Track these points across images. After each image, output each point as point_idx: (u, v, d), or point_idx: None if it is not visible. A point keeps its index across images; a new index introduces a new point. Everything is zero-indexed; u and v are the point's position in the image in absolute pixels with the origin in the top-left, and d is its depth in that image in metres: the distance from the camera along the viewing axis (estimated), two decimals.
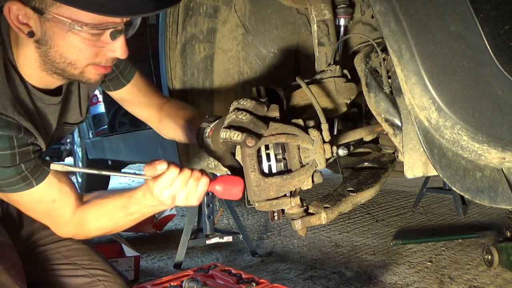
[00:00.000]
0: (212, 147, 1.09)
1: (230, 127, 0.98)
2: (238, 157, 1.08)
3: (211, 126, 1.11)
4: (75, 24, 0.93)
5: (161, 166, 0.99)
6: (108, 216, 1.14)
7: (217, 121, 1.12)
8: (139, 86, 1.33)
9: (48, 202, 1.11)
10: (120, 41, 1.00)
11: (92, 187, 4.94)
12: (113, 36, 0.98)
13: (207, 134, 1.12)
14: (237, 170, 1.09)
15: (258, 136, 0.98)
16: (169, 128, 1.32)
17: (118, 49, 1.00)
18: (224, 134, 0.98)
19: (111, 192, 1.19)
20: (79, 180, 5.18)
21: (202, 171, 1.03)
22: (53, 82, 1.10)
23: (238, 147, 1.08)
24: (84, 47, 0.98)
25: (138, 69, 1.33)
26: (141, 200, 1.08)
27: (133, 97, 1.33)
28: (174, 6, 0.96)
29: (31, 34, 0.96)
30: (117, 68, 1.26)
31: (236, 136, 0.96)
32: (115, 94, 1.32)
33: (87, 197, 1.19)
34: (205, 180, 1.03)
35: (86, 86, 1.24)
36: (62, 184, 1.12)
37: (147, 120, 1.38)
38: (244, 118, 0.98)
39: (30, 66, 1.04)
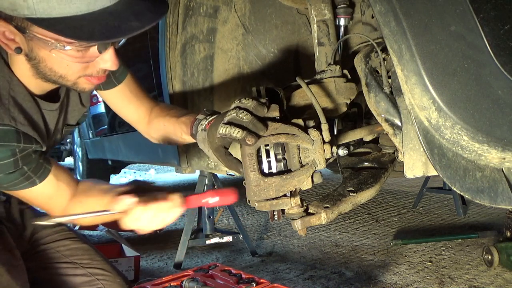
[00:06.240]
0: (207, 141, 1.09)
1: (230, 123, 0.99)
2: (233, 151, 1.09)
3: (209, 120, 1.11)
4: (57, 43, 0.92)
5: (127, 201, 0.98)
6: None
7: (215, 115, 1.12)
8: (130, 88, 1.33)
9: (45, 198, 1.15)
10: (109, 53, 0.99)
11: None
12: (101, 50, 0.97)
13: (203, 126, 1.11)
14: (232, 164, 1.09)
15: (257, 136, 0.99)
16: (159, 127, 1.32)
17: (107, 61, 0.99)
18: (223, 129, 0.98)
19: (100, 186, 1.19)
20: (79, 179, 5.18)
21: (173, 195, 1.03)
22: (50, 86, 1.11)
23: (238, 146, 1.08)
24: (72, 63, 0.97)
25: (130, 71, 1.33)
26: (101, 214, 1.08)
27: (123, 98, 1.33)
28: (155, 22, 0.95)
29: (18, 50, 0.95)
30: None
31: (236, 133, 0.96)
32: (105, 94, 1.32)
33: (82, 185, 1.20)
34: (176, 210, 1.03)
35: None
36: (60, 183, 1.15)
37: (136, 122, 1.38)
38: (244, 117, 0.99)
39: (25, 75, 1.05)
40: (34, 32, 0.91)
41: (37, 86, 1.09)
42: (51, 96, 1.16)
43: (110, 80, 1.28)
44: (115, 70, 1.26)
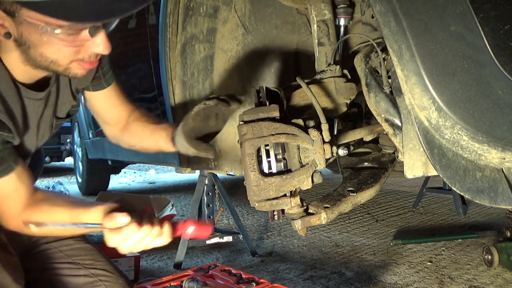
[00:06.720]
0: (182, 125, 1.13)
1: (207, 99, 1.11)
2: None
3: None
4: (48, 27, 0.91)
5: (122, 219, 0.97)
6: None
7: None
8: (117, 91, 1.36)
9: (0, 197, 1.10)
10: (101, 37, 0.97)
11: (92, 187, 4.94)
12: (92, 33, 0.96)
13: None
14: (200, 146, 1.14)
15: (228, 104, 1.09)
16: (136, 130, 1.34)
17: (99, 45, 0.98)
18: (198, 105, 1.09)
19: (65, 197, 1.18)
20: (79, 180, 5.18)
21: (165, 222, 1.03)
22: (38, 74, 1.09)
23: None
24: (63, 47, 0.96)
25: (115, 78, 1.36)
26: (92, 226, 1.06)
27: (110, 100, 1.35)
28: (147, 3, 0.94)
29: (7, 35, 0.94)
30: (101, 69, 1.28)
31: (209, 101, 1.05)
32: (92, 95, 1.33)
33: (41, 194, 1.16)
34: (165, 237, 1.03)
35: (76, 80, 1.24)
36: (20, 184, 1.10)
37: (114, 123, 1.39)
38: (223, 96, 1.11)
39: (14, 61, 1.03)
40: (24, 16, 0.90)
41: (26, 73, 1.06)
42: (40, 86, 1.13)
43: (100, 82, 1.29)
44: (105, 72, 1.29)
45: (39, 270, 1.32)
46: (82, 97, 1.37)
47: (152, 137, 1.30)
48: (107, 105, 1.36)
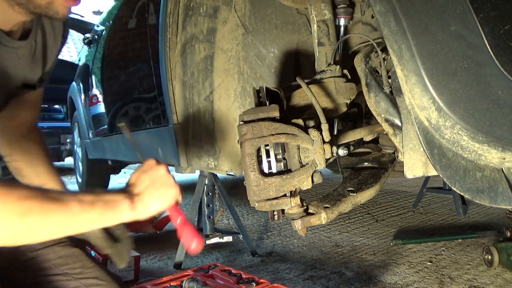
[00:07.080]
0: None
1: None
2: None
3: None
4: None
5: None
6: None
7: None
8: (41, 98, 1.33)
9: None
10: None
11: (92, 187, 4.94)
12: None
13: None
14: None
15: None
16: (33, 151, 1.31)
17: None
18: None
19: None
20: (79, 180, 5.18)
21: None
22: (13, 17, 1.01)
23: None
24: None
25: None
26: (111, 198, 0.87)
27: (34, 99, 1.31)
28: None
29: None
30: (49, 69, 1.26)
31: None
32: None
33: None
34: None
35: (49, 54, 1.20)
36: None
37: (20, 124, 1.32)
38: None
39: None
40: None
41: (1, 15, 0.99)
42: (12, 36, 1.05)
43: (46, 79, 1.26)
44: (47, 75, 1.25)
45: (28, 284, 1.21)
46: None
47: (44, 170, 1.30)
48: (31, 101, 1.30)
